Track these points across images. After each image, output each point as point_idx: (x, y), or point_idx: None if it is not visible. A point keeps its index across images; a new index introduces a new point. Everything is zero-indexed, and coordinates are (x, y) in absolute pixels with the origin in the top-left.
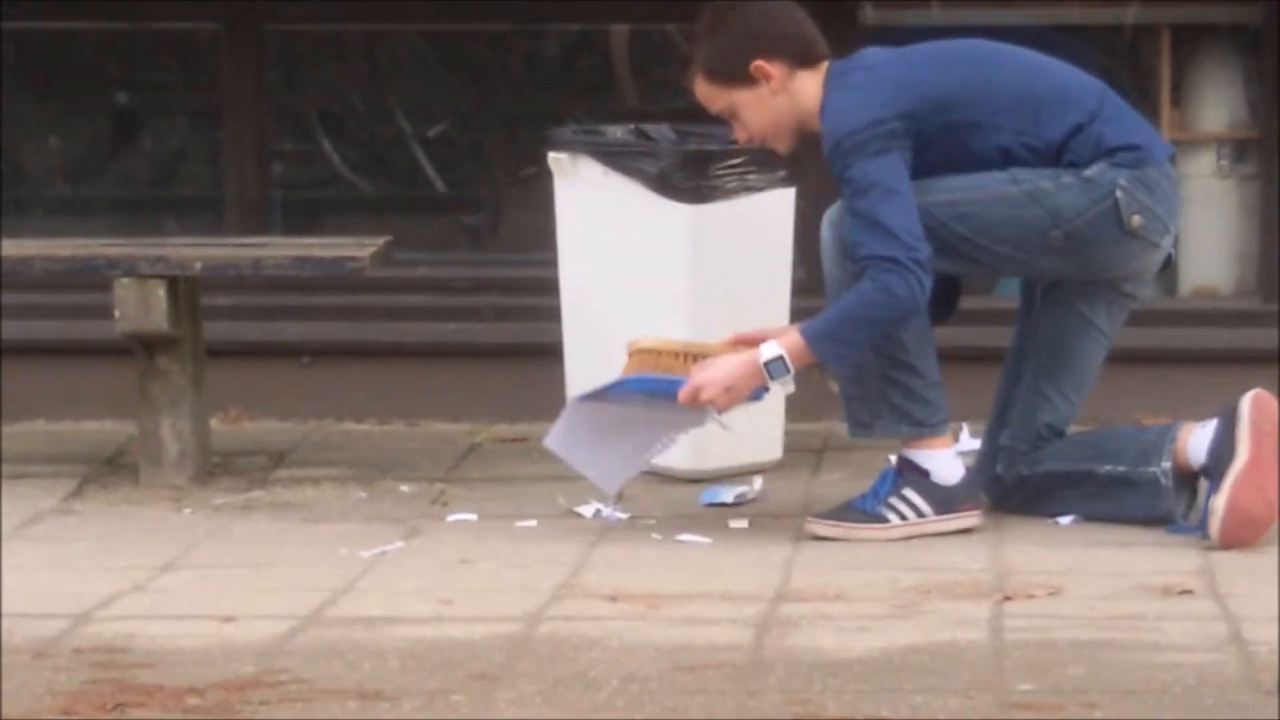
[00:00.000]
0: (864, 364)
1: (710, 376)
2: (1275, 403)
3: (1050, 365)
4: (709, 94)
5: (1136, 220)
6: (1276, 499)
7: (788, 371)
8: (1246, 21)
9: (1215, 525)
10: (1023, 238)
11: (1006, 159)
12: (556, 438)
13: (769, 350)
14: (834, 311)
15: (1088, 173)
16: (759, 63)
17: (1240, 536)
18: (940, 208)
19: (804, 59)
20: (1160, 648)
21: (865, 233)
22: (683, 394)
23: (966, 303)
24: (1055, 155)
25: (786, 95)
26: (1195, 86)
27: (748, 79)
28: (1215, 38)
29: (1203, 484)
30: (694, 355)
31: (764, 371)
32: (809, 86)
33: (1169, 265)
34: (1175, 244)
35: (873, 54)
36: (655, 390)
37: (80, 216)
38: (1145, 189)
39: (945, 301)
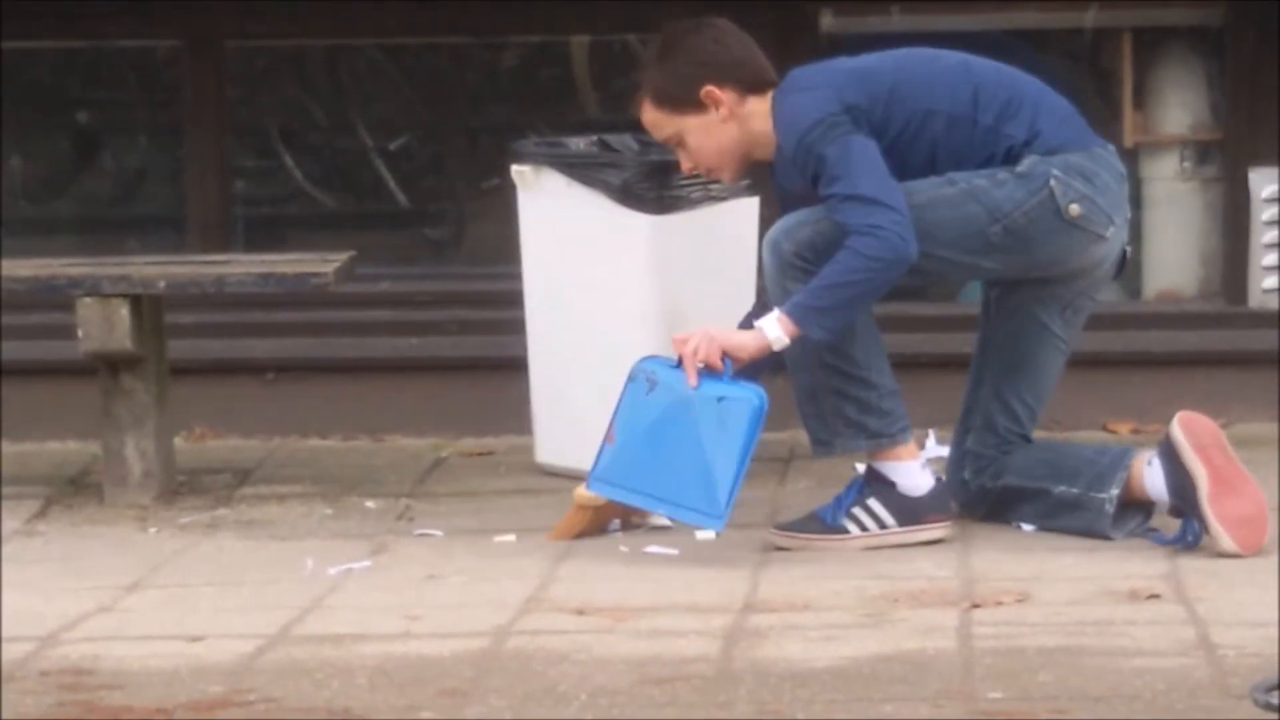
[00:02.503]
0: (816, 382)
1: (699, 331)
2: (1201, 417)
3: (1009, 371)
4: (656, 120)
5: (1075, 209)
6: (1257, 491)
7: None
8: (1207, 23)
9: (1225, 543)
10: (963, 238)
11: (950, 147)
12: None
13: (767, 323)
14: (816, 281)
15: (1020, 168)
16: (709, 88)
17: (1251, 538)
18: None
19: (754, 85)
20: (1129, 653)
21: (846, 212)
22: (676, 340)
23: (932, 309)
24: (994, 142)
25: (736, 122)
26: (1157, 89)
27: (697, 105)
28: (1176, 40)
29: (1160, 510)
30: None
31: (762, 334)
32: (758, 113)
33: (1125, 265)
34: (1127, 241)
35: (815, 65)
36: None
37: (42, 236)
38: (1082, 178)
39: None
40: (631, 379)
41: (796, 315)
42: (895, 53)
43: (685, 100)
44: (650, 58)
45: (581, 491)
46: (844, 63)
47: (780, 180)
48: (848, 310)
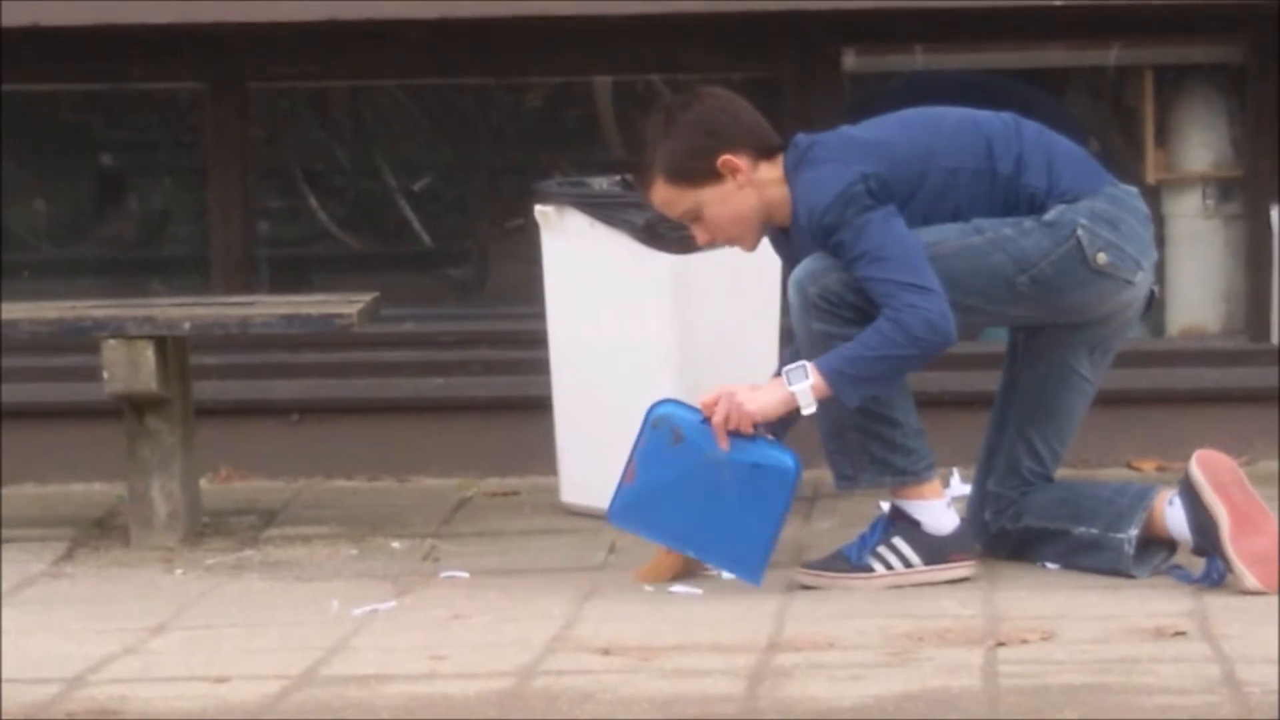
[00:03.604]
0: (842, 418)
1: (724, 394)
2: (1220, 455)
3: (1034, 413)
4: (670, 198)
5: (1102, 258)
6: (1277, 530)
7: (806, 379)
8: (1229, 61)
9: (1249, 582)
10: (990, 287)
11: (973, 201)
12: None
13: (800, 389)
14: (855, 348)
15: (1048, 216)
16: (726, 157)
17: (1274, 576)
18: None
19: (764, 151)
20: (1154, 690)
21: (882, 293)
22: (704, 401)
23: (956, 348)
24: (1015, 191)
25: (753, 188)
26: (1179, 126)
27: (715, 176)
28: (1198, 77)
29: (1183, 547)
30: None
31: (785, 379)
32: (771, 178)
33: (1153, 305)
34: (1154, 280)
35: (829, 133)
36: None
37: (67, 278)
38: (1109, 226)
39: None
40: (653, 427)
41: (832, 380)
42: (897, 117)
43: (701, 172)
44: (654, 135)
45: None
46: (854, 133)
47: (796, 250)
48: (885, 382)
